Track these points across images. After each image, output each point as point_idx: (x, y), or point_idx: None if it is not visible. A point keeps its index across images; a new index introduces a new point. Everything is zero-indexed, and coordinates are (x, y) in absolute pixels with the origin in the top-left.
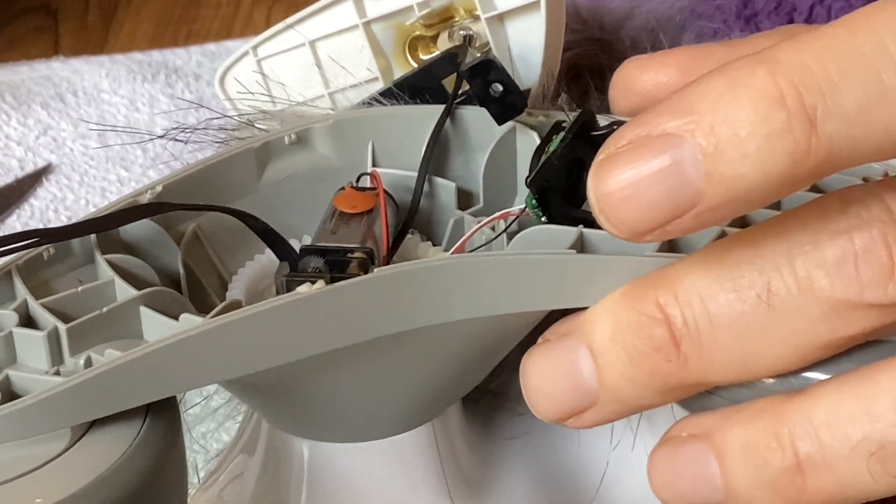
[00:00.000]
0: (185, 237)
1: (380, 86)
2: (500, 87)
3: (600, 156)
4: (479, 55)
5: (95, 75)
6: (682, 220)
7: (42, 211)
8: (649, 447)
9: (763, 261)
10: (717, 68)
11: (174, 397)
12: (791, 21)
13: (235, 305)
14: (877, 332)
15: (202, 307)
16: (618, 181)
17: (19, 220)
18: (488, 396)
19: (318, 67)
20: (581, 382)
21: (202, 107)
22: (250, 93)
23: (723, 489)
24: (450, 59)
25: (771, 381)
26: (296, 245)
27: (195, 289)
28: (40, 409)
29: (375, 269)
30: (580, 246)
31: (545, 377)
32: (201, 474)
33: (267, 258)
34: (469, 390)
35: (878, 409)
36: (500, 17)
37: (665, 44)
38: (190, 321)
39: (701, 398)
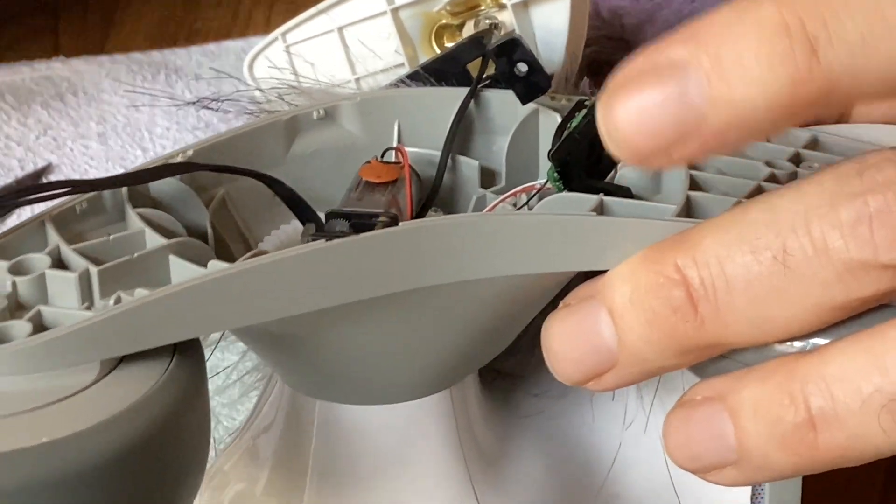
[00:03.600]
0: (213, 201)
1: (406, 72)
2: (524, 67)
3: (610, 85)
4: (501, 35)
5: (95, 75)
6: (686, 144)
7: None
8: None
9: (779, 223)
10: (727, 2)
11: (198, 343)
12: None
13: (261, 254)
14: (890, 294)
15: None
16: (626, 107)
17: (19, 220)
18: (504, 377)
19: (346, 53)
20: (601, 344)
21: (232, 77)
22: (277, 70)
23: (736, 448)
24: (475, 44)
25: (784, 346)
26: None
27: (221, 250)
28: (70, 341)
29: (401, 223)
30: (600, 210)
31: (566, 340)
32: (220, 447)
33: (293, 228)
34: (487, 360)
35: (889, 363)
36: (525, 4)
37: None
38: (218, 266)
39: (716, 363)
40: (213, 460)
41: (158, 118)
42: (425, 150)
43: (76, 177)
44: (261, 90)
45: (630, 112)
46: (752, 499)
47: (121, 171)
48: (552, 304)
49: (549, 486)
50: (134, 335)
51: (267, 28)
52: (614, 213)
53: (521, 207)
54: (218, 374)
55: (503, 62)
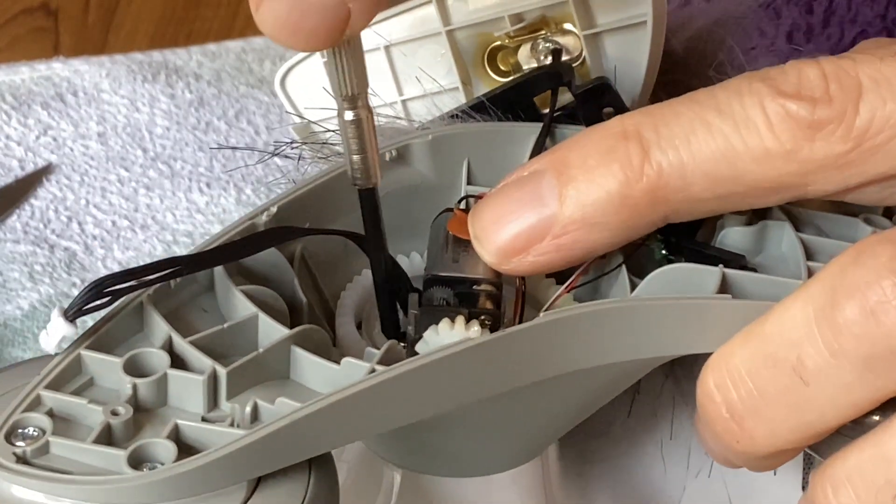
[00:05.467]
0: (295, 260)
1: (458, 95)
2: (611, 110)
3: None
4: (592, 79)
5: (95, 75)
6: (543, 244)
7: (42, 211)
8: (726, 475)
9: (792, 333)
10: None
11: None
12: (810, 10)
13: (394, 350)
14: None
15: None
16: (489, 211)
17: (19, 220)
18: None
19: (393, 73)
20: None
21: (305, 119)
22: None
23: None
24: (548, 76)
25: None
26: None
27: (311, 314)
28: (221, 465)
29: (542, 314)
30: (725, 287)
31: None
32: None
33: (367, 279)
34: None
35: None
36: (598, 34)
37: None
38: (354, 367)
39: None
40: None
41: (158, 118)
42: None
43: (77, 178)
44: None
45: (493, 215)
46: None
47: (121, 170)
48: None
49: None
50: (284, 451)
51: None
52: (744, 292)
53: (618, 266)
54: None
55: (590, 106)
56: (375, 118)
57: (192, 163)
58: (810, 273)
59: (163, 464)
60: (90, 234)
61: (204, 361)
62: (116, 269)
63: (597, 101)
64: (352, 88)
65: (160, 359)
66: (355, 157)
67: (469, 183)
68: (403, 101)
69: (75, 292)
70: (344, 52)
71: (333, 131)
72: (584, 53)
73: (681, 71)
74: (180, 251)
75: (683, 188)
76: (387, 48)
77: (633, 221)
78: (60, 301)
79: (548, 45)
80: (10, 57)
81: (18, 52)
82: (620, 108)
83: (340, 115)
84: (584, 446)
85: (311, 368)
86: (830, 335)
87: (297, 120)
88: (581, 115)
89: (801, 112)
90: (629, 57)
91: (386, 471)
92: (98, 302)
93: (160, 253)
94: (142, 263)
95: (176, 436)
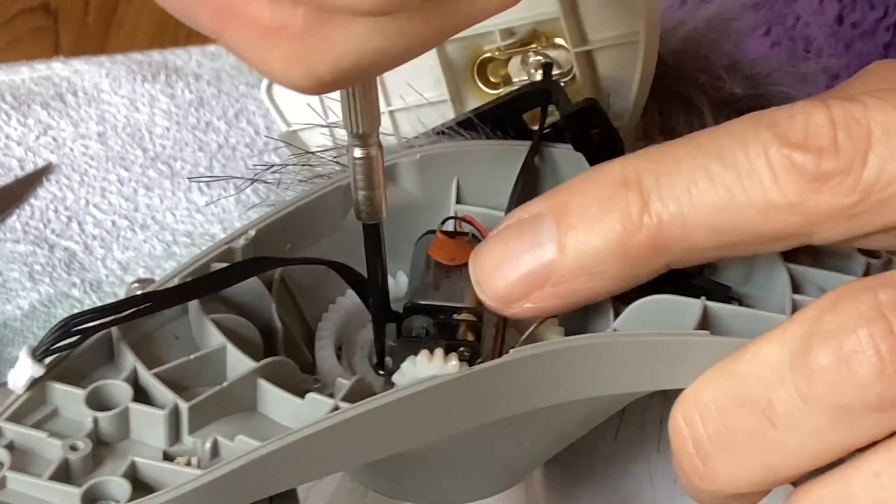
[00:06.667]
0: (274, 286)
1: (446, 107)
2: (598, 132)
3: (484, 239)
4: (581, 100)
5: (95, 75)
6: (543, 291)
7: (42, 211)
8: None
9: (766, 374)
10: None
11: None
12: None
13: (362, 385)
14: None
15: (295, 360)
16: (490, 255)
17: (19, 220)
18: None
19: (381, 84)
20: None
21: (288, 144)
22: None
23: None
24: (537, 94)
25: None
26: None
27: (286, 338)
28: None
29: (512, 351)
30: (706, 323)
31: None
32: None
33: (349, 301)
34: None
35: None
36: (590, 51)
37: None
38: (318, 403)
39: None
40: None
41: (158, 118)
42: (484, 209)
43: (76, 177)
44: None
45: (493, 260)
46: None
47: (121, 170)
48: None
49: None
50: (242, 490)
51: None
52: (725, 326)
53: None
54: None
55: (577, 127)
56: None
57: (192, 163)
58: (795, 307)
59: (117, 503)
60: (90, 234)
61: (167, 395)
62: (116, 268)
63: (585, 123)
64: (363, 128)
65: (123, 391)
66: (362, 193)
67: (458, 202)
68: (391, 112)
69: (75, 292)
70: (357, 92)
71: (318, 152)
72: (575, 70)
73: (672, 76)
74: (180, 251)
75: (684, 238)
76: None
77: (634, 271)
78: (60, 301)
79: (538, 58)
80: (10, 57)
81: (18, 52)
82: (609, 131)
83: (350, 151)
84: (571, 463)
85: (276, 402)
86: (802, 380)
87: (285, 128)
88: (569, 137)
89: (808, 164)
90: (621, 74)
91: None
92: (67, 341)
93: (160, 253)
94: (141, 263)
95: (132, 474)
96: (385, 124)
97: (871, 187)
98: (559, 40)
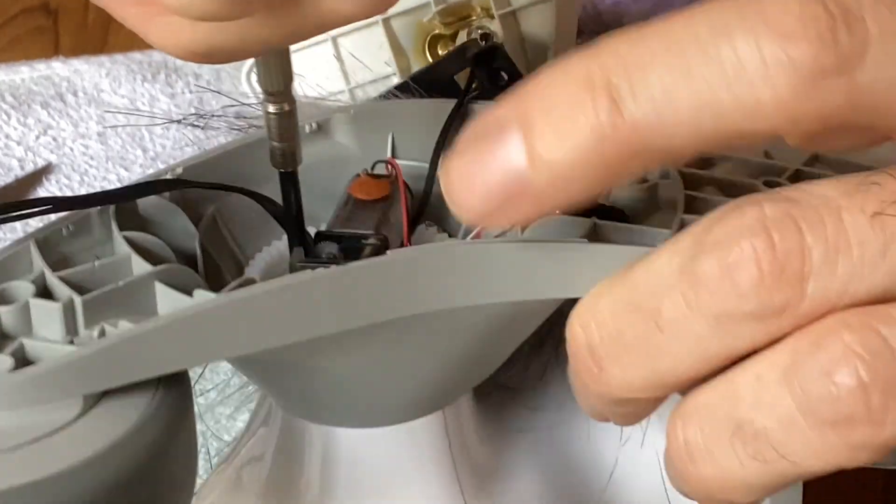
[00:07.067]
0: (203, 219)
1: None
2: (505, 77)
3: (454, 149)
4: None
5: (95, 75)
6: (520, 202)
7: None
8: (658, 444)
9: (656, 282)
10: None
11: (186, 372)
12: None
13: (249, 282)
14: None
15: (218, 289)
16: (457, 168)
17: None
18: (500, 390)
19: (339, 63)
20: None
21: (221, 94)
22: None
23: None
24: (461, 54)
25: None
26: (314, 232)
27: (212, 271)
28: (53, 376)
29: (388, 252)
30: (594, 236)
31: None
32: (214, 461)
33: (284, 244)
34: (480, 380)
35: (741, 392)
36: (513, 13)
37: None
38: (204, 296)
39: None
40: (198, 487)
41: (158, 118)
42: (418, 162)
43: (76, 177)
44: (252, 105)
45: (463, 175)
46: None
47: (121, 170)
48: (545, 324)
49: (545, 502)
50: (118, 369)
51: None
52: (609, 238)
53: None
54: (211, 389)
55: (484, 70)
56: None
57: None
58: (683, 226)
59: None
60: None
61: (65, 292)
62: None
63: (489, 67)
64: (275, 85)
65: (26, 290)
66: (276, 145)
67: (393, 156)
68: (351, 90)
69: None
70: (270, 55)
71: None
72: (500, 33)
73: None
74: None
75: (662, 141)
76: (334, 39)
77: (611, 175)
78: None
79: (479, 30)
80: (10, 57)
81: (18, 52)
82: (512, 72)
83: (265, 107)
84: (507, 417)
85: (169, 301)
86: (688, 288)
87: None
88: (478, 79)
89: (805, 59)
90: (539, 32)
91: (311, 430)
92: None
93: None
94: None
95: (21, 353)
96: (346, 100)
97: (867, 86)
98: (492, 9)
